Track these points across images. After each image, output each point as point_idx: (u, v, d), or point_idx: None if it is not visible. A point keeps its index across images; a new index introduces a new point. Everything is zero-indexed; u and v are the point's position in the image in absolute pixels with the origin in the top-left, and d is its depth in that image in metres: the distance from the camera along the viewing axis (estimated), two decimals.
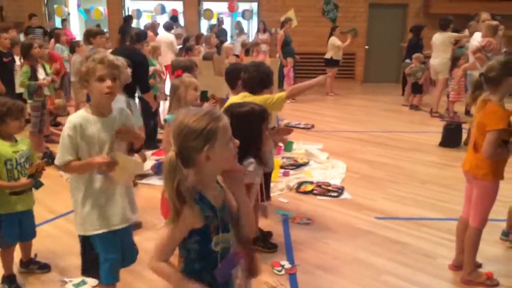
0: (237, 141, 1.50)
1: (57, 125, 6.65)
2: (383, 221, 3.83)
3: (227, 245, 1.53)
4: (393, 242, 3.47)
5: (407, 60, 8.93)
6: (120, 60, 2.17)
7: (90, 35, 6.00)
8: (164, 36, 9.11)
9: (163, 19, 11.99)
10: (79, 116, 2.14)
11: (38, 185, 2.76)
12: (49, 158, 5.17)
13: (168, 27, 9.63)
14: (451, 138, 6.12)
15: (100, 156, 2.10)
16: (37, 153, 5.30)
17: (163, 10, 12.66)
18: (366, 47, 12.01)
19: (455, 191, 4.35)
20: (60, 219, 3.83)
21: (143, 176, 4.71)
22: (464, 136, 6.08)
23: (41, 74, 5.41)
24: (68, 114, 7.13)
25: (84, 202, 2.22)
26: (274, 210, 4.00)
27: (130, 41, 5.19)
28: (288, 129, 3.51)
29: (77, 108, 7.09)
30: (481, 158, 2.69)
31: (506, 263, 3.20)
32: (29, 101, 5.25)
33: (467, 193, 2.96)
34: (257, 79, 3.17)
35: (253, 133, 2.19)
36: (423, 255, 3.27)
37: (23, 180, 2.69)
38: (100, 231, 2.24)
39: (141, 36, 5.35)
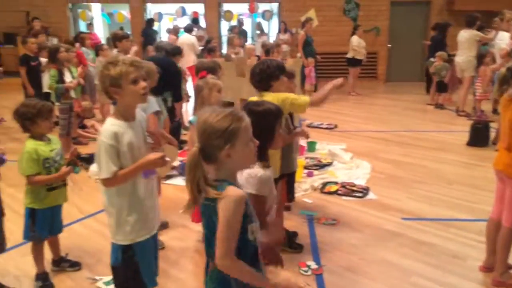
0: (257, 141, 1.58)
1: (84, 127, 6.79)
2: (410, 222, 3.78)
3: (258, 235, 1.59)
4: (421, 243, 3.42)
5: (431, 59, 8.78)
6: (149, 64, 2.24)
7: (116, 39, 6.11)
8: (185, 38, 9.17)
9: (184, 22, 12.12)
10: (113, 125, 2.04)
11: (77, 170, 2.90)
12: (78, 159, 5.28)
13: (189, 29, 9.71)
14: (479, 137, 6.00)
15: (152, 153, 2.09)
16: (66, 155, 5.45)
17: (184, 12, 12.78)
18: (389, 45, 11.86)
19: (484, 192, 4.26)
20: (89, 219, 3.91)
21: (168, 176, 4.77)
22: (492, 135, 5.96)
23: (67, 78, 5.53)
24: (93, 116, 7.29)
25: (130, 210, 2.10)
26: (299, 210, 4.00)
27: (166, 54, 5.33)
28: (304, 132, 3.44)
29: (102, 110, 7.25)
30: None
31: None
32: (56, 103, 5.38)
33: (498, 193, 2.90)
34: (261, 76, 3.06)
35: (267, 132, 2.19)
36: (452, 257, 3.22)
37: (64, 169, 2.81)
38: (146, 237, 2.15)
39: (177, 51, 5.58)
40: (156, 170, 2.20)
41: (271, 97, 2.81)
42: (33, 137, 2.79)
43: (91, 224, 3.82)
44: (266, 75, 3.02)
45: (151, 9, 13.28)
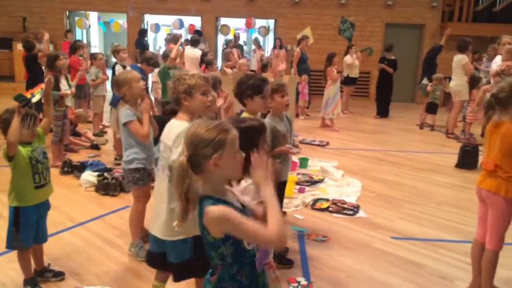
0: (243, 154, 1.63)
1: (77, 135, 6.77)
2: (399, 241, 3.81)
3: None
4: (409, 262, 3.45)
5: (424, 81, 8.95)
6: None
7: (116, 51, 6.34)
8: (191, 52, 8.76)
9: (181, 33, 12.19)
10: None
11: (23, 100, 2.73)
12: (69, 167, 5.27)
13: (195, 42, 9.26)
14: (468, 159, 6.09)
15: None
16: (57, 162, 5.43)
17: (181, 24, 12.88)
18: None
19: (473, 214, 4.29)
20: (79, 228, 3.87)
21: None
22: (481, 158, 6.04)
23: (64, 85, 5.53)
24: (89, 123, 7.29)
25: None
26: (290, 226, 4.02)
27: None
28: (287, 150, 3.37)
29: (95, 118, 7.24)
30: (505, 176, 2.69)
31: None
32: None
33: (480, 215, 2.95)
34: (236, 91, 3.11)
35: (251, 147, 2.23)
36: (440, 277, 3.25)
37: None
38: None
39: (150, 62, 5.88)
40: None
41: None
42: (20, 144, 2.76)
43: (81, 232, 3.79)
44: (238, 91, 3.07)
45: (148, 20, 13.38)
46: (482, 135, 7.45)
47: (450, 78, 8.15)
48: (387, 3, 12.04)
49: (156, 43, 15.98)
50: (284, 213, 4.16)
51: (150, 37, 13.86)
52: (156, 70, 6.38)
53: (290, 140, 3.34)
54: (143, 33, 11.82)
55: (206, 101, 2.52)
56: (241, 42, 13.12)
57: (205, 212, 1.51)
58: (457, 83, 7.85)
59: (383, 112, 9.85)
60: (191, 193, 1.54)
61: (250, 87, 3.05)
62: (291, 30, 11.52)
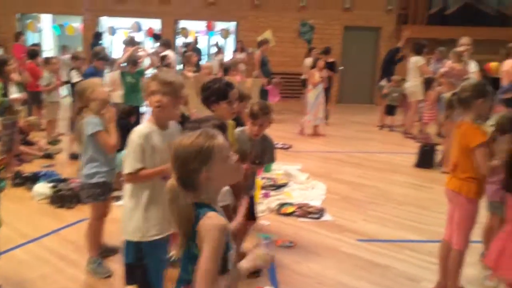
0: (237, 156, 1.55)
1: (29, 144, 6.41)
2: (365, 244, 3.82)
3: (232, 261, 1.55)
4: (376, 265, 3.46)
5: (382, 83, 9.12)
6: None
7: (76, 58, 6.47)
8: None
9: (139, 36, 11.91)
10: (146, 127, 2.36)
11: (3, 185, 2.64)
12: (20, 178, 4.98)
13: (167, 44, 8.90)
14: (426, 159, 6.24)
15: None
16: (7, 173, 5.11)
17: (139, 27, 12.57)
18: (341, 68, 12.23)
19: (433, 213, 4.40)
20: (31, 244, 3.63)
21: (118, 198, 4.56)
22: (438, 157, 6.20)
23: (13, 92, 5.22)
24: (42, 130, 6.92)
25: (148, 206, 2.31)
26: (256, 233, 3.93)
27: None
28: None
29: (49, 126, 6.90)
30: (464, 177, 2.73)
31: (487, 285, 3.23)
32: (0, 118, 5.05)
33: (449, 215, 2.99)
34: (202, 95, 2.99)
35: None
36: (406, 279, 3.27)
37: None
38: (161, 236, 2.33)
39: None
40: None
41: None
42: None
43: (33, 249, 3.55)
44: (204, 97, 2.96)
45: (105, 23, 12.97)
46: (438, 134, 7.68)
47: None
48: (345, 7, 12.24)
49: (112, 46, 15.53)
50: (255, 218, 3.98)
51: (107, 39, 13.43)
52: (111, 74, 6.22)
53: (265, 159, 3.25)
54: (98, 36, 11.44)
55: (231, 109, 2.80)
56: (200, 45, 12.96)
57: (206, 216, 1.41)
58: (412, 84, 8.07)
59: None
60: (185, 213, 1.44)
61: (215, 92, 2.95)
62: (252, 33, 11.47)
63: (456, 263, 2.84)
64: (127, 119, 5.02)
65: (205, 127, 2.11)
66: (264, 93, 8.78)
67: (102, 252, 3.23)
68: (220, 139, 1.49)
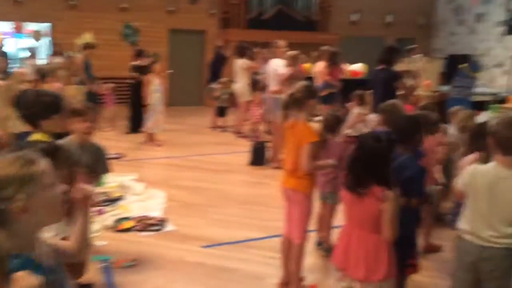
0: (63, 187, 1.36)
1: None
2: (210, 249, 3.78)
3: None
4: (223, 270, 3.44)
5: (211, 85, 9.30)
6: None
7: None
8: None
9: None
10: None
11: None
12: None
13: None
14: (259, 157, 6.56)
15: None
16: None
17: None
18: (170, 71, 12.09)
19: (272, 208, 4.59)
20: None
21: None
22: (268, 154, 6.58)
23: None
24: None
25: None
26: (91, 257, 3.53)
27: None
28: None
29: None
30: (301, 175, 2.88)
31: (324, 271, 3.49)
32: None
33: (286, 211, 3.13)
34: (29, 110, 2.59)
35: None
36: (252, 278, 3.33)
37: None
38: None
39: None
40: None
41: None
42: None
43: None
44: (30, 113, 2.57)
45: None
46: (268, 132, 8.17)
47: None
48: (169, 9, 12.14)
49: None
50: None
51: None
52: None
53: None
54: None
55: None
56: (7, 48, 11.30)
57: (12, 279, 1.11)
58: (240, 85, 8.44)
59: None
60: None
61: (50, 105, 2.57)
62: (69, 35, 10.44)
63: (298, 256, 3.00)
64: None
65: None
66: (92, 98, 8.08)
67: None
68: (42, 163, 1.29)
